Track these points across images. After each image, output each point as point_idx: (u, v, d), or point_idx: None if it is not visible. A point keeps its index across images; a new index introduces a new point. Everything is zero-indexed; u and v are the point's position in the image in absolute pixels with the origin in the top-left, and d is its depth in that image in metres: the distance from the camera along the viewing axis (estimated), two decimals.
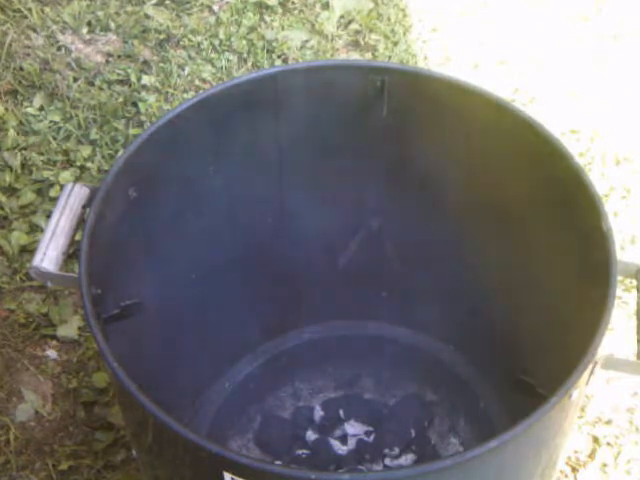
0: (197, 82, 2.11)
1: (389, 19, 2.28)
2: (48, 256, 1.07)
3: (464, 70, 2.16)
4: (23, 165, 1.94)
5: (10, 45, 2.16)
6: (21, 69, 2.12)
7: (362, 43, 2.22)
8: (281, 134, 1.28)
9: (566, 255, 1.13)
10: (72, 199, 1.12)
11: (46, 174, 1.91)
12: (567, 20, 2.33)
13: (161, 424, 0.89)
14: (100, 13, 2.26)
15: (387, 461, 1.43)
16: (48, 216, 1.77)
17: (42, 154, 1.95)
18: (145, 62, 2.15)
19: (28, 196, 1.88)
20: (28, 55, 2.16)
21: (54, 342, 1.68)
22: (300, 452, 1.44)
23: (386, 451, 1.43)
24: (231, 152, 1.26)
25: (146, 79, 2.10)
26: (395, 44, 2.21)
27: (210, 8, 2.30)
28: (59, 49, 2.18)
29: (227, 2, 2.31)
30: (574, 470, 1.52)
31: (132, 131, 1.99)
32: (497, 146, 1.19)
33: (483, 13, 2.35)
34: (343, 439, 1.46)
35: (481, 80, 2.06)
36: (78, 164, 1.93)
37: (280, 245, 1.38)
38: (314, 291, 1.42)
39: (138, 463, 1.44)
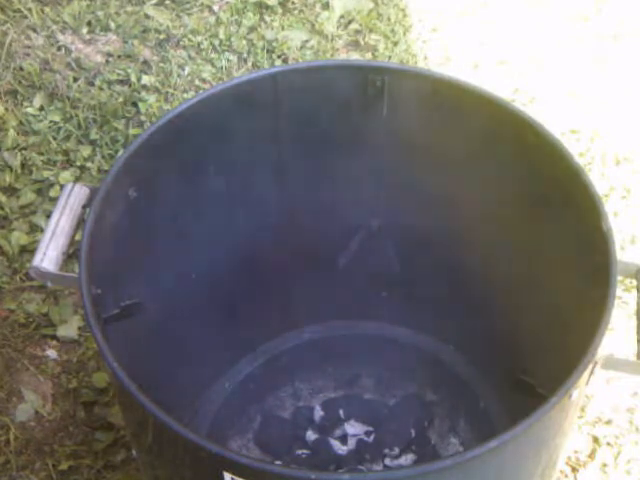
0: (197, 82, 2.11)
1: (389, 19, 2.28)
2: (48, 256, 1.07)
3: (464, 70, 2.16)
4: (23, 165, 1.94)
5: (10, 45, 2.16)
6: (21, 69, 2.12)
7: (362, 43, 2.23)
8: (281, 134, 1.28)
9: (566, 255, 1.13)
10: (72, 199, 1.12)
11: (46, 174, 1.91)
12: (567, 20, 2.33)
13: (161, 424, 0.89)
14: (100, 13, 2.26)
15: (387, 461, 1.43)
16: (48, 216, 1.77)
17: (42, 154, 1.95)
18: (145, 62, 2.16)
19: (28, 196, 1.88)
20: (28, 55, 2.16)
21: (54, 342, 1.68)
22: (300, 452, 1.44)
23: (386, 451, 1.43)
24: (231, 152, 1.26)
25: (146, 79, 2.10)
26: (395, 44, 2.21)
27: (210, 8, 2.30)
28: (59, 49, 2.18)
29: (227, 2, 2.31)
30: (574, 470, 1.52)
31: (132, 131, 1.99)
32: (497, 146, 1.19)
33: (483, 13, 2.35)
34: (343, 439, 1.46)
35: (481, 80, 2.06)
36: (78, 164, 1.93)
37: (280, 245, 1.38)
38: (314, 291, 1.42)
39: (138, 463, 1.44)
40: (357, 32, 2.25)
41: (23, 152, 1.95)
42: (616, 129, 2.05)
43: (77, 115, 2.00)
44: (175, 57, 2.16)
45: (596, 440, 1.55)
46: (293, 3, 2.31)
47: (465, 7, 2.36)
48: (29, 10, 2.25)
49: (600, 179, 1.94)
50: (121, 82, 2.11)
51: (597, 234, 1.03)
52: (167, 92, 2.08)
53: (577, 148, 1.99)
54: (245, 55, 2.17)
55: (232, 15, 2.26)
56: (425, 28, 2.30)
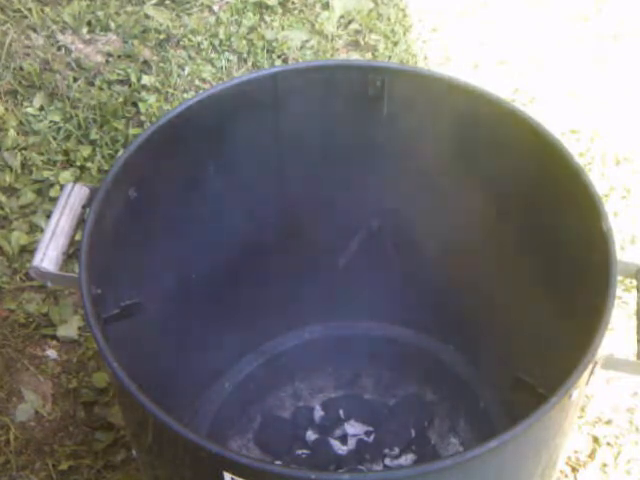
0: (197, 82, 2.11)
1: (389, 19, 2.28)
2: (48, 256, 1.07)
3: (464, 70, 2.16)
4: (23, 165, 1.94)
5: (10, 45, 2.16)
6: (21, 69, 2.12)
7: (362, 43, 2.23)
8: (281, 134, 1.28)
9: (566, 255, 1.13)
10: (72, 199, 1.12)
11: (46, 174, 1.91)
12: (567, 20, 2.33)
13: (161, 424, 0.89)
14: (100, 13, 2.26)
15: (387, 461, 1.43)
16: (48, 216, 1.77)
17: (42, 154, 1.95)
18: (145, 62, 2.16)
19: (28, 196, 1.88)
20: (28, 55, 2.16)
21: (54, 342, 1.68)
22: (300, 452, 1.44)
23: (386, 451, 1.43)
24: (231, 152, 1.26)
25: (146, 79, 2.10)
26: (395, 44, 2.21)
27: (210, 8, 2.30)
28: (59, 49, 2.18)
29: (227, 2, 2.31)
30: (574, 470, 1.52)
31: (132, 131, 1.99)
32: (497, 146, 1.19)
33: (483, 13, 2.35)
34: (343, 439, 1.46)
35: (481, 80, 2.06)
36: (78, 164, 1.93)
37: (280, 245, 1.38)
38: (314, 291, 1.42)
39: (138, 463, 1.44)
40: (357, 32, 2.25)
41: (23, 152, 1.95)
42: (616, 129, 2.05)
43: (77, 115, 2.00)
44: (175, 57, 2.16)
45: (596, 440, 1.56)
46: (293, 3, 2.31)
47: (465, 7, 2.36)
48: (29, 10, 2.25)
49: (600, 179, 1.94)
50: (121, 82, 2.11)
51: (597, 234, 1.03)
52: (167, 92, 2.08)
53: (577, 148, 1.99)
54: (245, 55, 2.17)
55: (232, 15, 2.26)
56: (425, 28, 2.30)
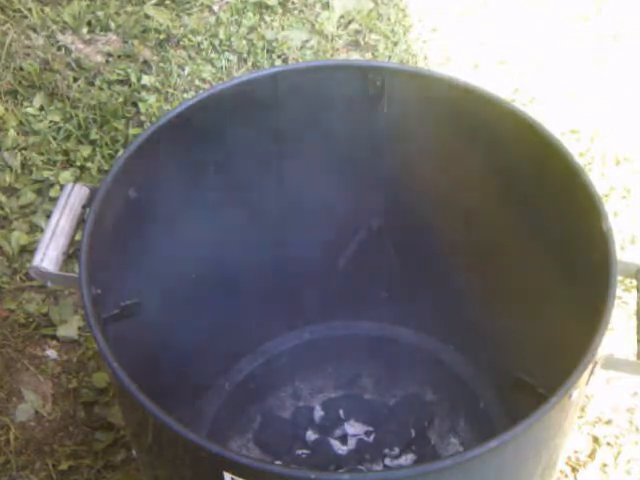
0: (197, 82, 2.11)
1: (389, 19, 2.28)
2: (48, 256, 1.07)
3: (464, 70, 2.16)
4: (23, 165, 1.94)
5: (10, 45, 2.16)
6: (21, 69, 2.12)
7: (362, 43, 2.22)
8: (281, 134, 1.28)
9: (566, 255, 1.13)
10: (72, 199, 1.12)
11: (46, 174, 1.91)
12: (567, 20, 2.33)
13: (161, 424, 0.89)
14: (100, 13, 2.26)
15: (387, 461, 1.43)
16: (48, 216, 1.77)
17: (42, 154, 1.95)
18: (145, 62, 2.16)
19: (28, 196, 1.88)
20: (28, 55, 2.16)
21: (54, 342, 1.68)
22: (300, 452, 1.44)
23: (386, 451, 1.43)
24: (231, 152, 1.26)
25: (146, 79, 2.10)
26: (395, 44, 2.21)
27: (210, 8, 2.30)
28: (59, 49, 2.18)
29: (227, 2, 2.31)
30: (574, 470, 1.52)
31: (132, 131, 1.99)
32: (497, 146, 1.19)
33: (483, 13, 2.35)
34: (343, 439, 1.46)
35: (481, 80, 2.06)
36: (78, 164, 1.93)
37: (280, 245, 1.38)
38: (314, 291, 1.42)
39: (138, 463, 1.44)
40: (357, 32, 2.25)
41: (23, 152, 1.95)
42: (616, 129, 2.05)
43: (77, 115, 2.00)
44: (175, 57, 2.16)
45: (596, 440, 1.55)
46: (293, 3, 2.31)
47: (465, 7, 2.36)
48: (29, 10, 2.25)
49: (600, 179, 1.94)
50: (121, 82, 2.11)
51: (597, 234, 1.03)
52: (167, 92, 2.08)
53: (577, 148, 1.99)
54: (245, 55, 2.17)
55: (232, 15, 2.26)
56: (425, 28, 2.30)
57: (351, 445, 1.45)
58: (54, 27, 2.22)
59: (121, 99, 2.05)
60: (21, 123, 2.01)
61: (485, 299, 1.34)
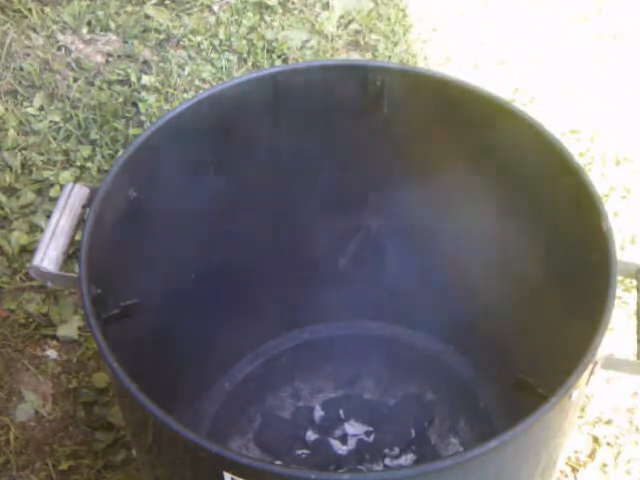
0: (197, 82, 2.11)
1: (389, 19, 2.28)
2: (48, 256, 1.07)
3: (464, 70, 2.16)
4: (23, 165, 1.94)
5: (10, 45, 2.16)
6: (21, 69, 2.12)
7: (362, 43, 2.22)
8: (281, 134, 1.28)
9: (566, 255, 1.13)
10: (72, 199, 1.12)
11: (46, 174, 1.91)
12: (567, 20, 2.33)
13: (161, 424, 0.89)
14: (100, 13, 2.26)
15: (387, 461, 1.43)
16: (48, 216, 1.77)
17: (42, 154, 1.95)
18: (145, 62, 2.16)
19: (28, 196, 1.88)
20: (28, 55, 2.16)
21: (54, 342, 1.68)
22: (300, 452, 1.44)
23: (386, 451, 1.43)
24: (231, 152, 1.26)
25: (146, 79, 2.10)
26: (395, 44, 2.21)
27: (210, 8, 2.30)
28: (59, 49, 2.18)
29: (227, 2, 2.31)
30: (574, 470, 1.52)
31: (132, 131, 1.99)
32: (497, 146, 1.19)
33: (483, 13, 2.35)
34: (343, 439, 1.46)
35: (481, 80, 2.06)
36: (78, 164, 1.93)
37: (280, 245, 1.38)
38: (314, 291, 1.42)
39: (138, 463, 1.44)
40: (357, 32, 2.25)
41: (23, 152, 1.95)
42: (616, 129, 2.05)
43: (77, 115, 2.00)
44: (175, 57, 2.16)
45: (596, 440, 1.55)
46: (293, 3, 2.31)
47: (465, 7, 2.36)
48: (29, 10, 2.25)
49: (600, 179, 1.94)
50: (121, 82, 2.11)
51: (597, 234, 1.03)
52: (167, 92, 2.08)
53: (577, 148, 1.99)
54: (245, 55, 2.17)
55: (232, 15, 2.26)
56: (425, 28, 2.30)
57: (351, 445, 1.45)
58: (54, 27, 2.22)
59: (121, 99, 2.05)
60: (21, 123, 2.01)
61: (485, 299, 1.34)
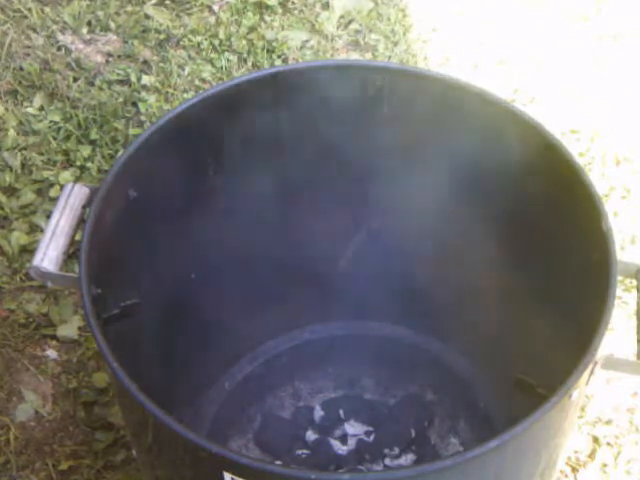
0: (197, 82, 2.11)
1: (389, 19, 2.28)
2: (48, 256, 1.07)
3: (464, 70, 2.16)
4: (23, 165, 1.94)
5: (10, 45, 2.16)
6: (21, 69, 2.12)
7: (362, 43, 2.23)
8: (281, 134, 1.28)
9: (566, 255, 1.13)
10: (72, 199, 1.12)
11: (46, 174, 1.91)
12: (567, 20, 2.33)
13: (161, 424, 0.89)
14: (100, 13, 2.26)
15: (387, 461, 1.43)
16: (48, 216, 1.77)
17: (42, 154, 1.95)
18: (145, 62, 2.16)
19: (28, 196, 1.88)
20: (28, 55, 2.16)
21: (54, 342, 1.68)
22: (300, 452, 1.44)
23: (386, 451, 1.43)
24: (231, 152, 1.26)
25: (146, 79, 2.10)
26: (395, 44, 2.21)
27: (210, 8, 2.30)
28: (59, 49, 2.18)
29: (227, 2, 2.31)
30: (574, 470, 1.52)
31: (132, 131, 1.99)
32: (497, 146, 1.19)
33: (483, 13, 2.35)
34: (343, 439, 1.46)
35: (481, 80, 2.06)
36: (78, 164, 1.93)
37: (280, 245, 1.38)
38: (314, 291, 1.42)
39: (138, 463, 1.44)
40: (357, 32, 2.25)
41: (23, 152, 1.95)
42: (616, 129, 2.05)
43: (77, 115, 2.00)
44: (175, 57, 2.16)
45: (596, 440, 1.56)
46: (293, 3, 2.31)
47: (465, 7, 2.36)
48: (29, 10, 2.25)
49: (600, 179, 1.94)
50: (121, 82, 2.11)
51: (597, 234, 1.03)
52: (167, 92, 2.08)
53: (577, 148, 1.99)
54: (245, 55, 2.17)
55: (232, 15, 2.26)
56: (425, 28, 2.30)
57: (351, 445, 1.45)
58: (54, 27, 2.22)
59: (121, 99, 2.05)
60: (21, 123, 2.01)
61: (485, 299, 1.34)
